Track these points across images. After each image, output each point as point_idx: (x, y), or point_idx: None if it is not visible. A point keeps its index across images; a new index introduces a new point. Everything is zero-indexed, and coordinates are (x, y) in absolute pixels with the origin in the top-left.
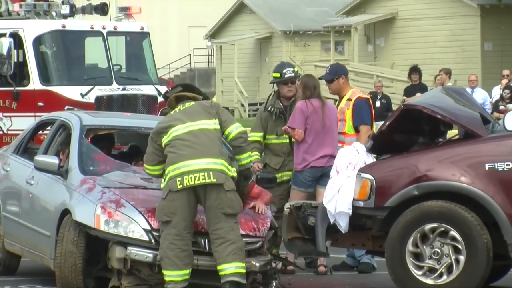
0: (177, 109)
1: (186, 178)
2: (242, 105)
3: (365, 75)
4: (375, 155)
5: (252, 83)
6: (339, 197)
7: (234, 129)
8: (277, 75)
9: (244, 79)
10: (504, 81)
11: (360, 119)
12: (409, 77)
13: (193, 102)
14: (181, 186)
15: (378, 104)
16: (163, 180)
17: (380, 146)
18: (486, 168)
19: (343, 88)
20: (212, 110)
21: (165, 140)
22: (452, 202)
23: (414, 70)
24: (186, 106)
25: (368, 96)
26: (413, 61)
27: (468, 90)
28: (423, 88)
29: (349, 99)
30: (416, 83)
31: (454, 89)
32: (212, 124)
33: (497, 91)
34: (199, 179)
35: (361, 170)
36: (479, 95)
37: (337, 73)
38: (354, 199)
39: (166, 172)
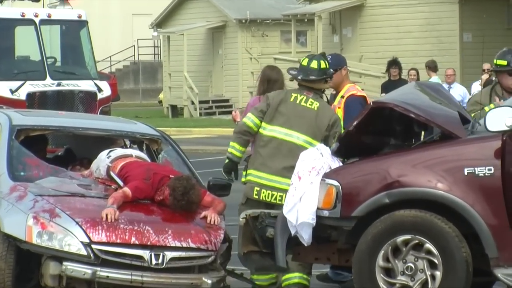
0: (299, 96)
1: (263, 192)
2: (193, 103)
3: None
4: (341, 159)
5: (203, 78)
6: (301, 206)
7: None
8: (504, 62)
9: (194, 74)
10: (485, 76)
11: (349, 121)
12: (387, 72)
13: (318, 105)
14: (257, 197)
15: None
16: (244, 173)
17: (347, 148)
18: (465, 173)
19: (344, 81)
20: (325, 132)
21: (267, 119)
22: (428, 211)
23: (394, 63)
24: (307, 106)
25: (364, 94)
26: (384, 54)
27: (445, 86)
28: (403, 84)
29: (342, 96)
30: (396, 78)
31: (429, 85)
32: (313, 146)
33: (476, 87)
34: (275, 199)
35: (326, 175)
36: (457, 92)
37: (339, 63)
38: (318, 208)
39: (249, 170)
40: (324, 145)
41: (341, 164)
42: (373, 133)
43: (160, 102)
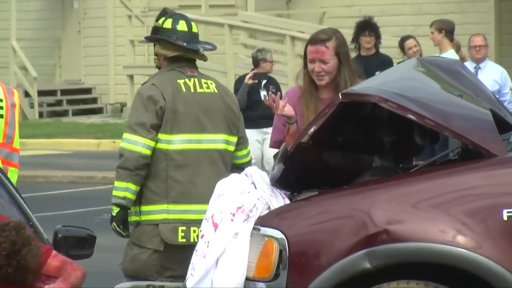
0: (188, 81)
1: (193, 232)
2: (28, 95)
3: (271, 36)
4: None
5: (46, 51)
6: (218, 274)
7: (247, 155)
8: None
9: (31, 44)
10: None
11: None
12: (355, 41)
13: (214, 85)
14: (184, 241)
15: (262, 96)
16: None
17: (297, 174)
18: (505, 218)
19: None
20: (235, 119)
21: (167, 129)
22: (438, 284)
23: (366, 27)
24: (205, 91)
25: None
26: (360, 10)
27: (469, 65)
28: (384, 61)
29: None
30: (370, 53)
31: (441, 63)
32: (232, 144)
33: None
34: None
35: (262, 221)
36: (491, 75)
37: None
38: (247, 279)
39: (158, 206)
40: (257, 168)
41: (287, 201)
42: (343, 147)
43: None
